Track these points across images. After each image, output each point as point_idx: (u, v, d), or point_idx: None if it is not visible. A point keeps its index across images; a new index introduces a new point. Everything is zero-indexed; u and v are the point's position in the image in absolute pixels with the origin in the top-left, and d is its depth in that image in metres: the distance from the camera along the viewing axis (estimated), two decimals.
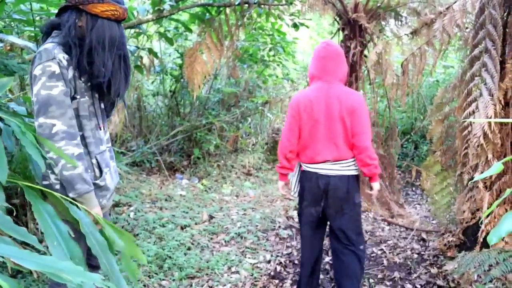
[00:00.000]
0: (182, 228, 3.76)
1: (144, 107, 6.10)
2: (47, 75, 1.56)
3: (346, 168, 2.54)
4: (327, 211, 2.60)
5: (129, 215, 3.82)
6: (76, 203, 1.52)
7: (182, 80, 5.76)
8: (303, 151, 2.60)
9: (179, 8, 4.40)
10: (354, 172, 2.58)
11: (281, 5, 5.63)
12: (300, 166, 2.71)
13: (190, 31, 5.05)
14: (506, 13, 3.17)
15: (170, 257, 3.15)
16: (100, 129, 1.80)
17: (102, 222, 1.50)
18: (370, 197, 2.75)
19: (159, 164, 5.36)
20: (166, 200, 4.44)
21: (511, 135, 3.12)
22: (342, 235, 2.60)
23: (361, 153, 2.48)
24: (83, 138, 1.70)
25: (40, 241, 2.77)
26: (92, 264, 1.87)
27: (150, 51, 4.85)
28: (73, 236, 1.37)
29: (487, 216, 2.94)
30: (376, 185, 2.65)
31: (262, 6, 5.22)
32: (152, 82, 6.38)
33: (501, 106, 2.99)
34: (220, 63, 5.63)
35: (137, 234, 3.45)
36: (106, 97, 1.79)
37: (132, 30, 4.49)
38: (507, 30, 3.15)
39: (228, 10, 4.97)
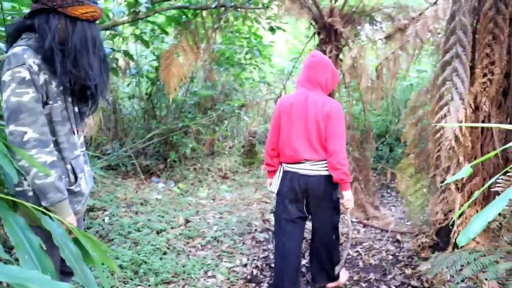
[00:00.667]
0: (158, 233, 3.71)
1: (120, 110, 6.02)
2: (17, 82, 1.50)
3: (323, 168, 2.69)
4: (309, 208, 2.79)
5: (103, 220, 3.75)
6: (48, 212, 1.48)
7: (158, 82, 5.71)
8: (283, 150, 2.77)
9: (155, 11, 4.36)
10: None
11: (258, 8, 5.65)
12: (281, 167, 2.87)
13: (166, 33, 5.02)
14: (475, 20, 3.27)
15: (145, 262, 3.10)
16: (74, 134, 1.76)
17: (76, 232, 1.46)
18: (344, 208, 2.79)
19: (135, 168, 5.28)
20: (141, 204, 4.38)
21: (481, 138, 3.21)
22: (321, 229, 2.85)
23: (331, 156, 2.62)
24: (56, 143, 1.65)
25: (10, 248, 2.69)
26: (65, 271, 1.82)
27: (126, 53, 4.79)
28: (46, 245, 1.33)
29: (459, 217, 3.02)
30: (347, 194, 2.73)
31: (239, 9, 5.23)
32: (128, 85, 6.30)
33: (471, 110, 3.07)
34: (197, 66, 5.60)
35: (112, 239, 3.39)
36: (90, 99, 1.76)
37: (107, 32, 4.41)
38: (476, 36, 3.24)
39: (204, 13, 4.96)
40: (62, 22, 1.60)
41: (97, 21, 1.72)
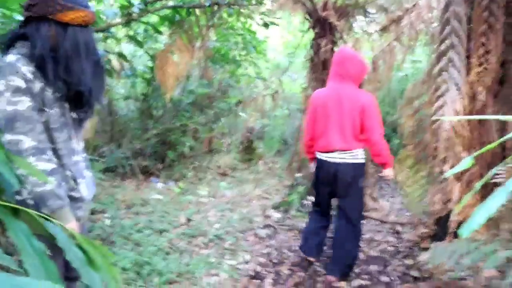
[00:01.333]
0: (159, 233, 3.72)
1: (116, 112, 6.00)
2: (11, 91, 1.50)
3: (352, 157, 2.97)
4: (336, 192, 3.07)
5: (104, 223, 3.75)
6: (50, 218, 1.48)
7: (153, 82, 5.70)
8: (317, 141, 3.06)
9: (148, 11, 4.34)
10: (360, 161, 3.01)
11: (251, 5, 5.63)
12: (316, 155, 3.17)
13: (160, 33, 4.99)
14: (469, 9, 3.27)
15: (148, 263, 3.10)
16: (73, 140, 1.75)
17: (78, 238, 1.46)
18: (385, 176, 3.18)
19: (133, 169, 5.28)
20: (142, 205, 4.38)
21: (478, 128, 3.22)
22: (344, 213, 3.07)
23: (372, 146, 2.96)
24: (55, 150, 1.65)
25: (11, 255, 2.69)
26: (70, 276, 1.83)
27: (120, 54, 4.77)
28: (49, 252, 1.33)
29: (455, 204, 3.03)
30: (387, 171, 3.14)
31: (232, 6, 5.21)
32: (123, 86, 6.28)
33: (468, 100, 3.08)
34: (192, 64, 5.59)
35: (114, 241, 3.39)
36: (86, 104, 1.75)
37: (100, 34, 4.40)
38: (471, 25, 3.24)
39: (198, 11, 4.94)
40: (52, 29, 1.59)
41: (90, 25, 1.71)
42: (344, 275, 3.08)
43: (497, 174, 2.05)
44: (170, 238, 3.61)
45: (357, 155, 2.98)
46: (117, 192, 4.63)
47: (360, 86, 3.12)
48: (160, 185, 5.22)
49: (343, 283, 3.04)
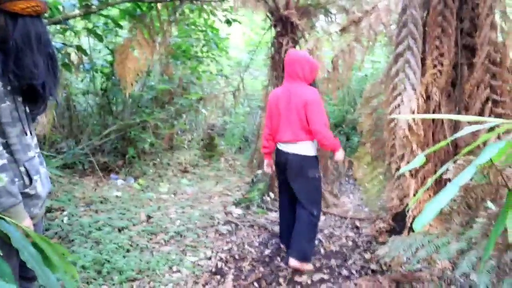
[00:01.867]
0: (119, 230, 3.64)
1: (74, 107, 5.80)
2: None
3: (300, 149, 3.21)
4: (287, 178, 3.32)
5: (62, 221, 3.63)
6: (4, 216, 1.42)
7: (113, 77, 5.55)
8: (275, 134, 3.37)
9: (108, 4, 4.23)
10: (308, 153, 3.22)
11: (214, 1, 5.61)
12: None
13: (121, 27, 4.88)
14: (425, 13, 3.41)
15: (108, 261, 3.04)
16: (27, 134, 1.68)
17: (34, 236, 1.41)
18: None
19: (92, 165, 5.13)
20: (101, 202, 4.27)
21: (432, 126, 3.37)
22: (299, 201, 3.29)
23: (316, 135, 3.15)
24: (7, 145, 1.57)
25: None
26: (26, 276, 1.76)
27: (79, 48, 4.62)
28: (2, 252, 1.28)
29: (413, 202, 3.16)
30: (337, 154, 3.36)
31: (195, 2, 5.17)
32: (82, 80, 6.08)
33: (423, 100, 3.21)
34: (153, 59, 5.49)
35: (72, 240, 3.29)
36: (38, 98, 1.67)
37: (58, 26, 4.24)
38: (426, 29, 3.38)
39: (159, 5, 4.87)
40: (1, 19, 1.51)
41: (43, 15, 1.64)
42: (303, 259, 3.18)
43: (449, 171, 2.15)
44: (130, 236, 3.54)
45: (305, 147, 3.22)
46: (76, 189, 4.49)
47: (313, 83, 3.40)
48: (120, 182, 5.11)
49: (304, 277, 3.11)
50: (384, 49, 8.46)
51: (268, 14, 5.84)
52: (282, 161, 3.30)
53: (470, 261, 2.22)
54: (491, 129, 2.87)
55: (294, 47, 5.68)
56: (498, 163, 1.58)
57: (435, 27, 3.27)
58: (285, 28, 5.55)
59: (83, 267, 2.88)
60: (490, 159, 1.30)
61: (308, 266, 3.23)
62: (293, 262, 3.13)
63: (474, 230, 2.29)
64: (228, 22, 6.09)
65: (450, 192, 1.19)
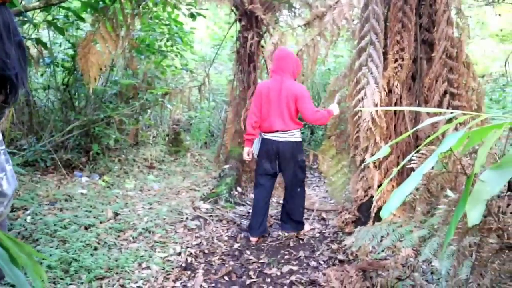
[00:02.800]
0: (86, 228, 3.56)
1: (34, 102, 5.59)
2: None
3: (291, 136, 3.59)
4: (280, 166, 3.68)
5: (25, 220, 3.51)
6: None
7: (75, 72, 5.39)
8: (263, 123, 3.63)
9: None
10: (297, 139, 3.63)
11: None
12: (261, 135, 3.72)
13: (83, 20, 4.73)
14: (386, 9, 3.51)
15: (76, 259, 2.97)
16: None
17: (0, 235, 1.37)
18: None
19: (55, 163, 4.97)
20: (66, 200, 4.15)
21: (394, 119, 3.48)
22: (290, 184, 3.71)
23: (311, 122, 3.64)
24: None
25: None
26: None
27: (38, 41, 4.46)
28: None
29: (379, 192, 3.27)
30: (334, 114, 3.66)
31: None
32: (42, 75, 5.86)
33: (385, 93, 3.32)
34: (116, 54, 5.37)
35: (37, 239, 3.19)
36: (12, 90, 1.60)
37: (16, 18, 4.07)
38: (387, 24, 3.48)
39: None
40: None
41: (7, 4, 1.58)
42: (299, 229, 3.81)
43: (412, 161, 2.24)
44: (97, 233, 3.47)
45: (294, 135, 3.61)
46: (38, 187, 4.34)
47: (295, 79, 3.72)
48: (84, 179, 4.98)
49: (274, 269, 3.15)
50: (347, 44, 8.63)
51: (233, 8, 5.84)
52: (273, 149, 3.60)
53: (432, 247, 2.32)
54: (449, 120, 3.01)
55: (260, 41, 5.71)
56: (457, 152, 1.66)
57: (395, 23, 3.38)
58: (250, 22, 5.57)
59: (49, 266, 2.80)
60: (450, 148, 1.36)
61: (306, 226, 3.95)
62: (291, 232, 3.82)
63: (435, 217, 2.40)
64: (193, 16, 6.03)
65: (414, 180, 1.24)
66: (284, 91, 3.51)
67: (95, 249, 3.21)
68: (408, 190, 1.31)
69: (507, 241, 1.44)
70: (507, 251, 1.49)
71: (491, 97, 7.51)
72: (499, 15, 10.02)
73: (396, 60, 3.38)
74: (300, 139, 3.68)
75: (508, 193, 1.58)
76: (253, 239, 3.72)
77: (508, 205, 1.51)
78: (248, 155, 3.77)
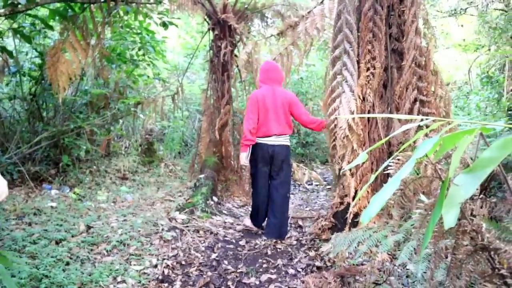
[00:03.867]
0: (57, 243, 3.46)
1: None
2: None
3: (285, 140, 3.98)
4: (272, 169, 4.00)
5: None
6: None
7: (43, 81, 5.26)
8: (259, 129, 3.91)
9: (36, 3, 4.02)
10: (289, 143, 4.04)
11: (149, 3, 5.51)
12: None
13: (51, 28, 4.64)
14: (358, 19, 3.59)
15: (46, 276, 2.87)
16: None
17: None
18: None
19: (23, 175, 4.81)
20: (35, 214, 4.02)
21: (367, 126, 3.55)
22: (280, 186, 4.00)
23: (307, 125, 4.03)
24: None
25: None
26: None
27: (3, 49, 4.33)
28: None
29: (353, 199, 3.32)
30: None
31: (130, 3, 5.04)
32: (7, 84, 5.68)
33: (360, 101, 3.38)
34: (87, 63, 5.27)
35: (4, 256, 3.07)
36: None
37: None
38: (359, 34, 3.56)
39: (93, 6, 4.69)
40: None
41: None
42: (283, 235, 3.98)
43: (389, 167, 2.29)
44: (69, 248, 3.37)
45: (287, 139, 4.01)
46: (5, 201, 4.19)
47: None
48: (54, 192, 4.84)
49: (252, 278, 3.14)
50: (318, 53, 8.77)
51: (206, 17, 5.84)
52: (269, 153, 3.92)
53: (407, 251, 2.37)
54: (420, 127, 3.09)
55: (233, 50, 5.73)
56: (431, 158, 1.71)
57: (367, 32, 3.46)
58: (223, 32, 5.58)
59: (18, 284, 2.70)
60: (425, 154, 1.41)
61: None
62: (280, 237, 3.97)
63: (410, 222, 2.46)
64: (164, 25, 6.00)
65: (392, 185, 1.27)
66: (279, 98, 3.90)
67: (67, 264, 3.12)
68: (387, 195, 1.35)
69: (481, 242, 1.49)
70: (480, 252, 1.54)
71: (456, 104, 7.78)
72: (462, 25, 10.44)
73: (368, 69, 3.46)
74: (289, 144, 4.08)
75: (480, 195, 1.64)
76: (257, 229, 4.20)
77: (481, 207, 1.57)
78: (246, 159, 4.00)
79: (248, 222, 4.31)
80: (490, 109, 6.72)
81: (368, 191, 3.36)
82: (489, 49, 9.01)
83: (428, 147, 1.27)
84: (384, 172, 2.37)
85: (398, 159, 1.74)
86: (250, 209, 4.36)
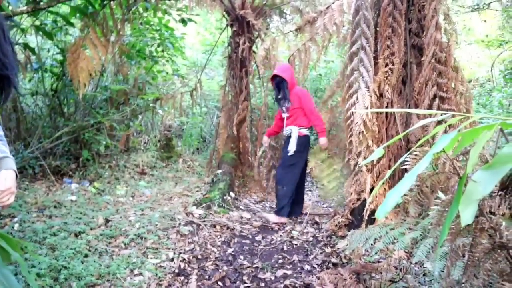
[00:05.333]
0: (76, 235, 3.53)
1: (22, 108, 5.54)
2: None
3: (296, 131, 4.42)
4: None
5: (13, 227, 3.47)
6: None
7: (64, 77, 5.36)
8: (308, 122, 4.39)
9: (57, 1, 4.09)
10: (304, 133, 4.45)
11: (169, 0, 5.55)
12: (295, 132, 4.42)
13: (72, 25, 4.71)
14: (376, 15, 3.55)
15: (65, 267, 2.93)
16: None
17: None
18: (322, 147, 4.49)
19: (44, 169, 4.92)
20: (55, 207, 4.11)
21: (385, 122, 3.52)
22: (304, 173, 4.55)
23: (312, 121, 4.37)
24: None
25: None
26: None
27: (26, 46, 4.43)
28: None
29: (368, 194, 3.29)
30: (322, 140, 4.35)
31: (149, 0, 5.09)
32: (30, 80, 5.81)
33: (376, 97, 3.35)
34: (107, 59, 5.35)
35: (25, 247, 3.15)
36: (9, 89, 1.60)
37: None
38: (378, 29, 3.52)
39: (113, 3, 4.76)
40: None
41: None
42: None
43: (405, 162, 2.26)
44: (88, 240, 3.44)
45: (300, 131, 4.39)
46: (27, 194, 4.29)
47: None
48: (74, 186, 4.94)
49: (268, 274, 3.15)
50: (337, 49, 8.70)
51: (224, 13, 5.86)
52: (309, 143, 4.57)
53: (424, 249, 2.34)
54: (439, 122, 3.04)
55: (251, 46, 5.74)
56: (449, 154, 1.68)
57: (386, 28, 3.42)
58: (242, 28, 5.59)
59: (38, 275, 2.77)
60: (443, 149, 1.39)
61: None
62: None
63: (427, 219, 2.42)
64: (183, 21, 6.04)
65: (409, 180, 1.26)
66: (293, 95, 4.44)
67: (86, 256, 3.18)
68: (403, 190, 1.33)
69: (499, 240, 1.47)
70: (499, 251, 1.51)
71: (478, 101, 7.63)
72: (485, 21, 10.20)
73: (386, 65, 3.42)
74: (307, 133, 4.54)
75: (500, 192, 1.61)
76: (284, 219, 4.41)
77: (500, 205, 1.54)
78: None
79: (274, 218, 4.38)
80: None
81: (385, 188, 3.33)
82: None
83: (445, 142, 1.25)
84: (402, 169, 2.34)
85: (416, 155, 1.72)
86: (277, 204, 4.48)
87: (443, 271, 2.17)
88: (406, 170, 1.75)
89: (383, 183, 3.36)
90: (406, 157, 1.58)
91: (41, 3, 3.93)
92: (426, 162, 1.22)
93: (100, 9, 4.62)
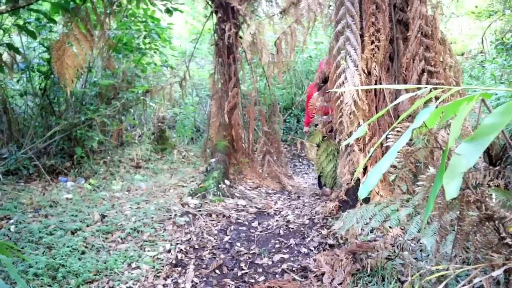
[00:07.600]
0: (72, 233, 3.52)
1: (12, 109, 5.49)
2: None
3: None
4: None
5: (9, 229, 3.46)
6: None
7: (52, 76, 5.30)
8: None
9: None
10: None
11: None
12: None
13: (54, 22, 4.64)
14: None
15: (63, 265, 2.94)
16: None
17: None
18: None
19: (38, 169, 4.90)
20: (51, 206, 4.10)
21: (375, 100, 3.49)
22: None
23: None
24: None
25: None
26: None
27: (10, 46, 4.36)
28: None
29: (364, 175, 3.28)
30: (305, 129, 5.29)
31: None
32: (18, 81, 5.75)
33: (364, 75, 3.31)
34: (93, 54, 5.29)
35: (22, 248, 3.15)
36: None
37: None
38: (362, 6, 3.47)
39: None
40: None
41: None
42: None
43: (389, 138, 2.24)
44: (84, 237, 3.44)
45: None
46: (22, 195, 4.28)
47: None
48: (69, 184, 4.92)
49: (265, 259, 3.16)
50: (326, 30, 8.61)
51: (208, 0, 5.78)
52: None
53: (417, 225, 2.34)
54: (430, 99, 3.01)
55: (237, 32, 5.67)
56: (434, 127, 1.66)
57: (370, 4, 3.37)
58: (226, 14, 5.52)
59: (35, 274, 2.77)
60: (425, 123, 1.36)
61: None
62: None
63: (417, 195, 2.41)
64: (169, 11, 5.95)
65: (390, 158, 1.24)
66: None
67: (83, 253, 3.18)
68: (384, 167, 1.31)
69: (486, 212, 1.45)
70: (487, 223, 1.50)
71: (470, 74, 7.58)
72: None
73: (372, 42, 3.38)
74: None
75: (484, 164, 1.59)
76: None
77: (485, 176, 1.52)
78: None
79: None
80: (506, 77, 6.51)
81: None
82: (503, 14, 8.71)
83: (425, 117, 1.23)
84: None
85: (398, 131, 1.70)
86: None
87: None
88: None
89: (367, 161, 3.35)
90: (387, 134, 1.56)
91: (20, 1, 3.86)
92: (406, 139, 1.20)
93: (81, 3, 4.55)
